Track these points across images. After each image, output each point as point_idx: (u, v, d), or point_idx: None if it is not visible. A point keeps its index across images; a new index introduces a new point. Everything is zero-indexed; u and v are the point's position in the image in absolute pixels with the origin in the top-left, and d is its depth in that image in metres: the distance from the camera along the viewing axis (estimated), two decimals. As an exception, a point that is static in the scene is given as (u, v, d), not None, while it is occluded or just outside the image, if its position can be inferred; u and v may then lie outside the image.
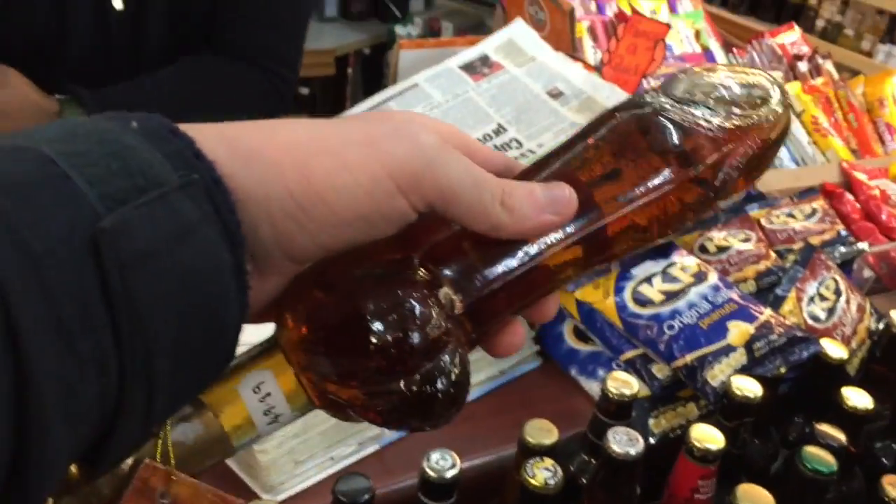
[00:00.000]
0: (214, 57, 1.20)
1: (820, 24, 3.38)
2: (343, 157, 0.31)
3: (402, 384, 0.30)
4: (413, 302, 0.30)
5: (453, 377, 0.31)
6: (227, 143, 0.30)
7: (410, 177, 0.32)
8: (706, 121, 0.35)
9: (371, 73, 3.09)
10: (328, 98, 3.16)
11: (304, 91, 2.84)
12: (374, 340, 0.30)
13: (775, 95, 0.38)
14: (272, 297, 0.32)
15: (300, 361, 0.31)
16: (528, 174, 0.36)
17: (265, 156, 0.30)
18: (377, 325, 0.30)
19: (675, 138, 0.35)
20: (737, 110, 0.36)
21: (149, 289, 0.26)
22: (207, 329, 0.28)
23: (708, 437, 0.70)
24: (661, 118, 0.35)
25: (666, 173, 0.35)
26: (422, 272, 0.32)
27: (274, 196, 0.30)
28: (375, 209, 0.31)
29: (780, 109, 0.37)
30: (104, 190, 0.26)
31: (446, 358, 0.31)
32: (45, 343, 0.24)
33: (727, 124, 0.35)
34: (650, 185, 0.35)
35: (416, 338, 0.30)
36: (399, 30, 2.81)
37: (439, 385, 0.30)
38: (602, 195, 0.35)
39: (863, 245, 1.01)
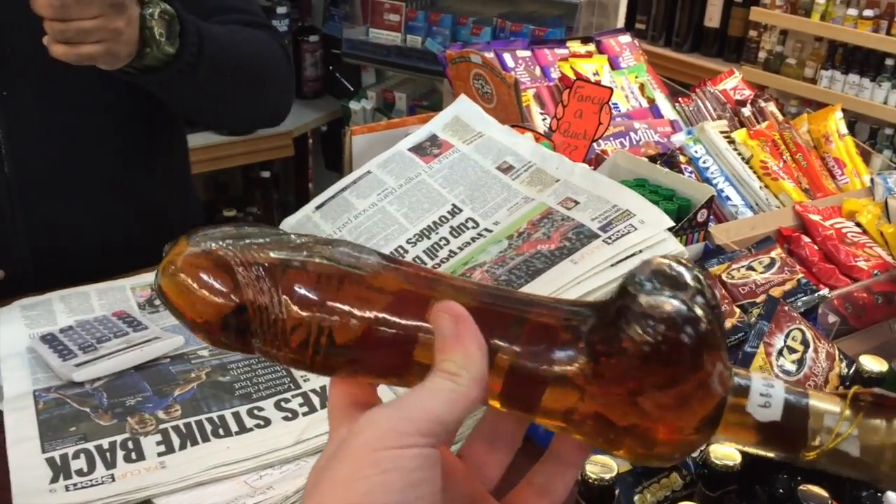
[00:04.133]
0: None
1: (762, 55, 3.46)
2: None
3: None
4: None
5: None
6: None
7: None
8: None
9: (330, 147, 3.12)
10: (290, 178, 3.18)
11: (266, 174, 2.85)
12: None
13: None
14: None
15: None
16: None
17: None
18: None
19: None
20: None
21: None
22: None
23: (691, 515, 0.69)
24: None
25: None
26: None
27: None
28: None
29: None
30: None
31: None
32: None
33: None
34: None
35: None
36: (353, 105, 2.85)
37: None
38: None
39: (824, 292, 1.02)
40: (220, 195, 2.94)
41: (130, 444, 0.78)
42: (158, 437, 0.79)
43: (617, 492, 0.81)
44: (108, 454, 0.77)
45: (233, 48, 1.16)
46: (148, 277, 1.12)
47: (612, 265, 0.92)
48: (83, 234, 1.20)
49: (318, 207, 1.22)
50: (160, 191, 1.30)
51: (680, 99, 1.65)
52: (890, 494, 0.77)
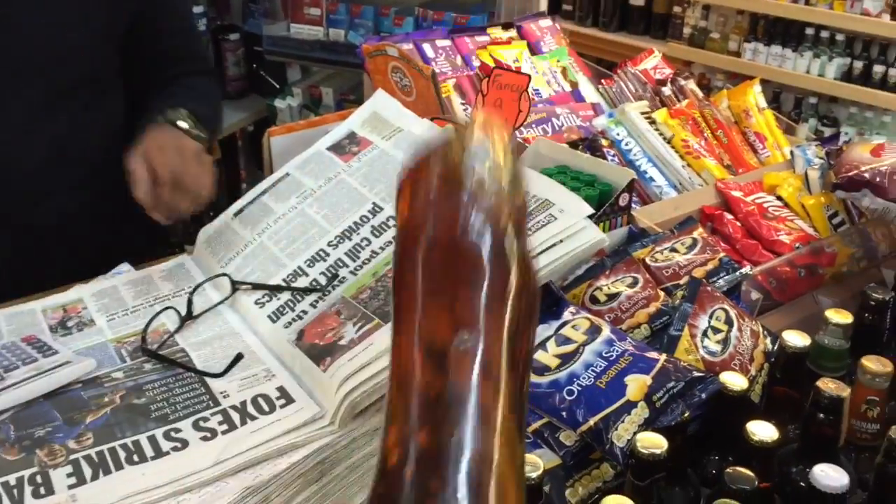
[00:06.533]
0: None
1: (687, 31, 3.50)
2: None
3: None
4: None
5: None
6: None
7: None
8: None
9: (258, 147, 3.06)
10: (220, 181, 3.11)
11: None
12: None
13: None
14: None
15: None
16: None
17: None
18: None
19: None
20: None
21: None
22: None
23: (619, 508, 0.69)
24: None
25: None
26: None
27: None
28: None
29: None
30: None
31: None
32: None
33: None
34: None
35: None
36: (279, 103, 2.79)
37: None
38: None
39: (745, 269, 1.02)
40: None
41: (39, 479, 0.75)
42: (69, 469, 0.76)
43: (547, 488, 0.80)
44: (14, 491, 0.73)
45: (215, 113, 1.39)
46: (60, 299, 1.08)
47: (533, 256, 0.91)
48: (55, 234, 1.25)
49: (236, 214, 1.18)
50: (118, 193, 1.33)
51: (603, 81, 1.65)
52: (816, 470, 0.77)
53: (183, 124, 1.22)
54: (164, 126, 1.20)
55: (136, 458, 0.77)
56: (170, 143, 1.18)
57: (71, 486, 0.74)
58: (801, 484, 0.83)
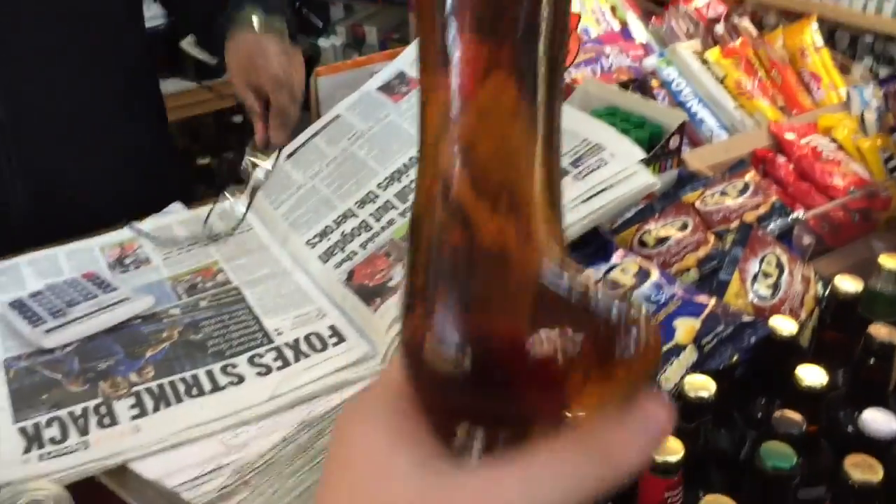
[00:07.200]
0: None
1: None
2: None
3: None
4: None
5: None
6: None
7: None
8: None
9: (305, 88, 3.06)
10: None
11: (238, 119, 2.79)
12: None
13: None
14: None
15: None
16: None
17: None
18: None
19: None
20: None
21: None
22: None
23: (666, 448, 0.70)
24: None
25: None
26: None
27: None
28: None
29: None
30: None
31: None
32: None
33: None
34: None
35: None
36: (322, 42, 2.78)
37: None
38: None
39: (798, 213, 1.01)
40: (194, 142, 2.89)
41: (103, 409, 0.78)
42: (132, 401, 0.79)
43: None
44: (81, 420, 0.76)
45: None
46: (116, 236, 1.11)
47: (584, 201, 0.91)
48: (76, 181, 1.23)
49: (289, 156, 1.19)
50: (142, 137, 1.33)
51: (653, 18, 1.62)
52: (865, 415, 0.77)
53: (256, 21, 1.15)
54: (240, 32, 1.15)
55: (195, 391, 0.80)
56: (257, 52, 1.13)
57: (134, 417, 0.77)
58: (850, 429, 0.83)
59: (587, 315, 0.28)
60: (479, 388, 0.28)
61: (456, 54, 0.27)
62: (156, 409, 0.78)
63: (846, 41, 3.15)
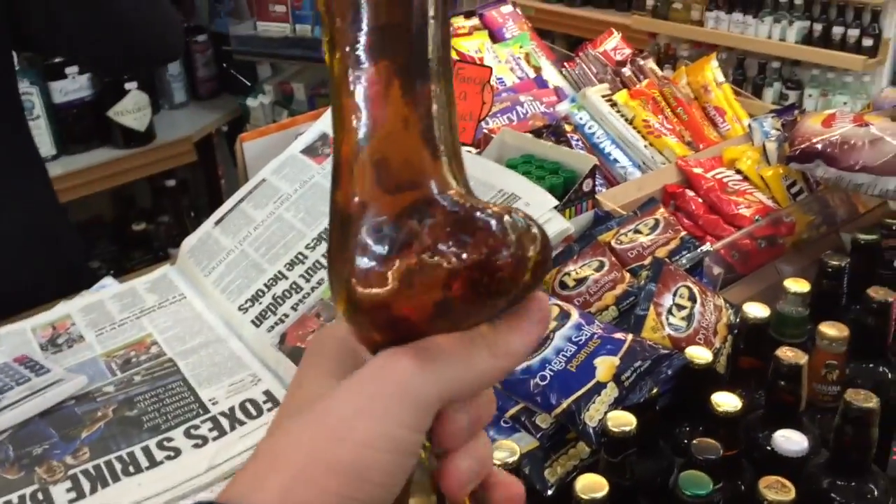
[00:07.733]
0: None
1: (650, 3, 3.53)
2: None
3: None
4: None
5: None
6: None
7: None
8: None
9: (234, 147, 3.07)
10: (200, 182, 3.13)
11: (171, 183, 2.80)
12: None
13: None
14: None
15: None
16: None
17: None
18: None
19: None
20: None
21: None
22: None
23: (592, 485, 0.73)
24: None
25: None
26: None
27: None
28: None
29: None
30: None
31: None
32: None
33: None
34: None
35: None
36: (251, 101, 2.81)
37: None
38: None
39: (706, 246, 1.06)
40: (129, 209, 2.88)
41: (40, 496, 0.78)
42: (68, 484, 0.79)
43: (527, 469, 0.84)
44: (18, 509, 0.77)
45: None
46: (48, 316, 1.11)
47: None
48: None
49: (217, 223, 1.21)
50: (29, 231, 1.29)
51: (566, 63, 1.68)
52: (777, 436, 0.82)
53: None
54: None
55: (131, 469, 0.81)
56: None
57: (71, 501, 0.77)
58: (766, 449, 0.88)
59: (477, 227, 0.34)
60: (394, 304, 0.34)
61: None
62: (93, 490, 0.78)
63: (755, 68, 3.29)
